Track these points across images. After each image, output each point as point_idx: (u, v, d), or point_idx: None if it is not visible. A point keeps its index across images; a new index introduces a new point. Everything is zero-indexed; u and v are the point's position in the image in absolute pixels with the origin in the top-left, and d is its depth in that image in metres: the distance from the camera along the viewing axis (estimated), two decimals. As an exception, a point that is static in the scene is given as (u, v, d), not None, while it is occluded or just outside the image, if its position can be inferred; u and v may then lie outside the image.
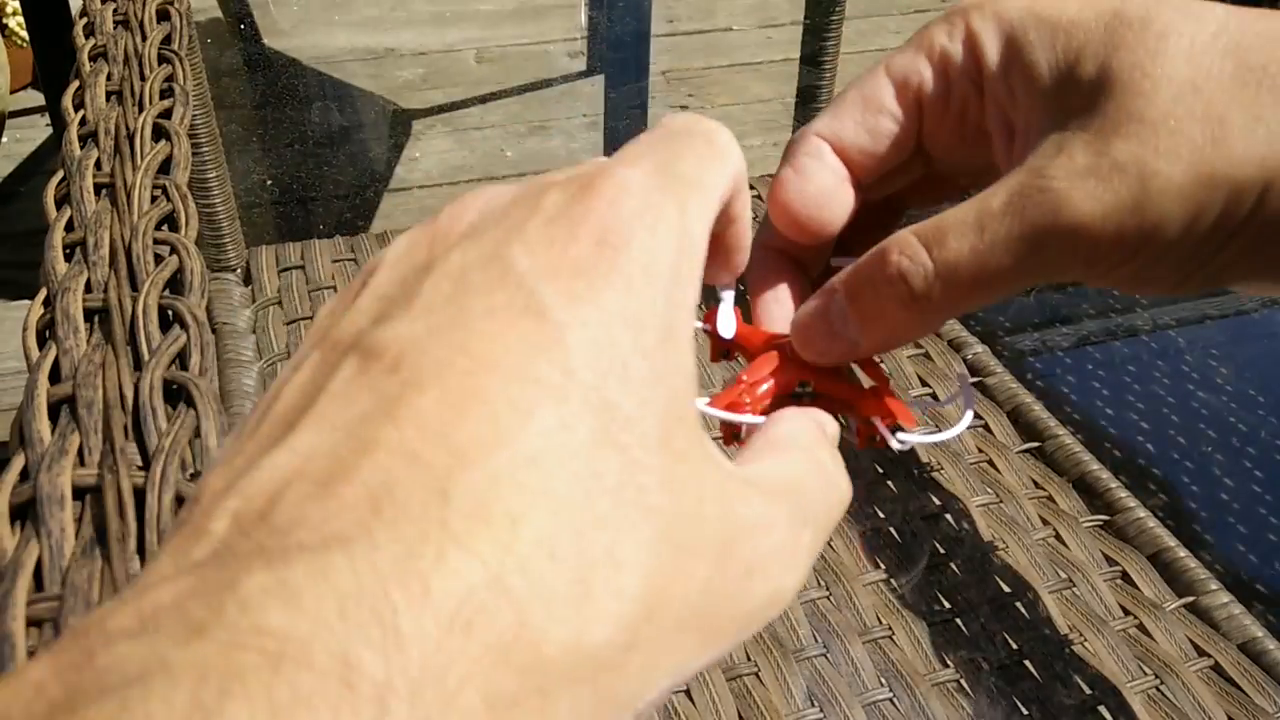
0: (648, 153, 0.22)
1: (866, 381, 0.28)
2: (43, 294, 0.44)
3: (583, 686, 0.16)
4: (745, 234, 0.25)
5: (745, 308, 0.29)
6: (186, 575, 0.15)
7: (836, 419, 0.26)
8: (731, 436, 0.26)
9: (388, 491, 0.16)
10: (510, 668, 0.15)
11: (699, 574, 0.19)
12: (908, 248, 0.26)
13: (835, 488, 0.24)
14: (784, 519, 0.22)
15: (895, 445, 0.27)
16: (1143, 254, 0.24)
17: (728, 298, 0.28)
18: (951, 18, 0.28)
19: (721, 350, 0.29)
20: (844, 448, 0.26)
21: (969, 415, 0.29)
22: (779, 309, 0.29)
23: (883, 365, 0.29)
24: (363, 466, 0.16)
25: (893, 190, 0.31)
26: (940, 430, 0.29)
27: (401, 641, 0.14)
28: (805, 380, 0.27)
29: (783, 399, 0.27)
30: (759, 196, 0.75)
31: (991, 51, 0.27)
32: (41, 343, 0.42)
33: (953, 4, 0.29)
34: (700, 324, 0.28)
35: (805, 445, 0.24)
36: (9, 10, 1.61)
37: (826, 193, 0.29)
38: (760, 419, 0.25)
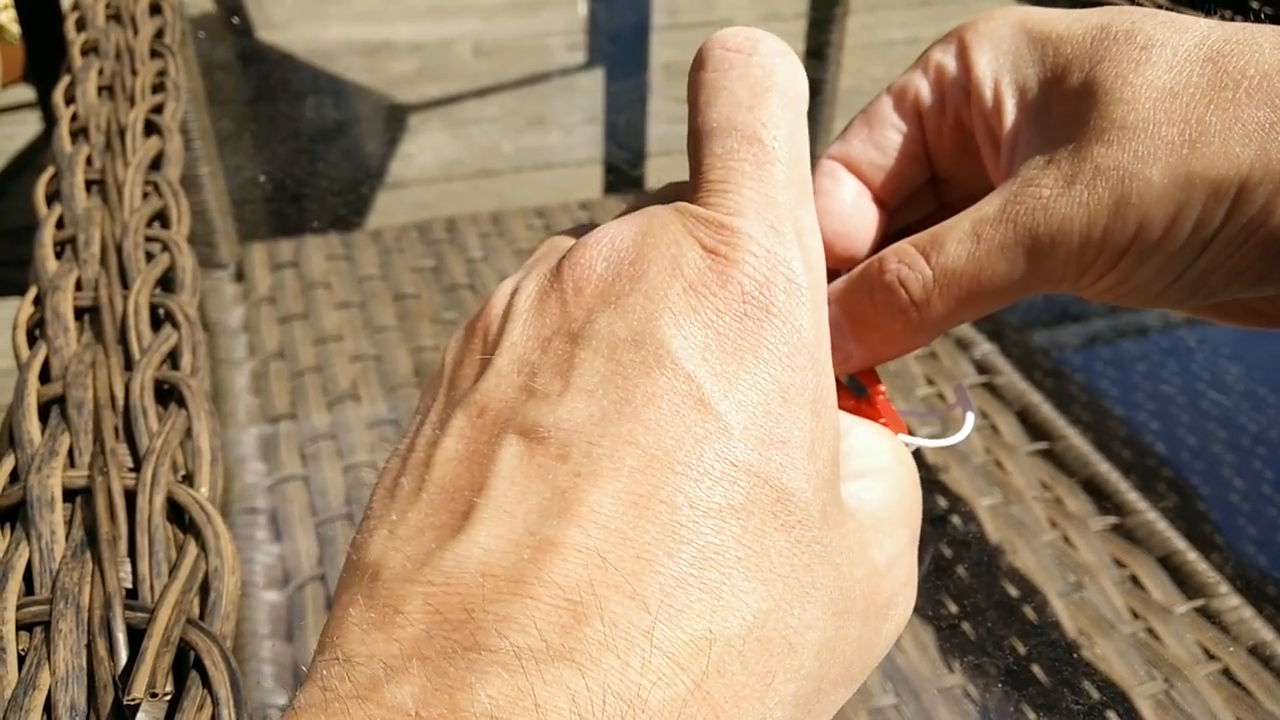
0: (744, 177, 0.21)
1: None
2: (33, 292, 0.43)
3: None
4: None
5: None
6: (416, 666, 0.16)
7: None
8: None
9: (588, 596, 0.17)
10: None
11: (852, 635, 0.20)
12: (906, 256, 0.26)
13: (918, 489, 0.25)
14: (904, 549, 0.23)
15: None
16: (1127, 259, 0.25)
17: None
18: (949, 35, 0.29)
19: None
20: None
21: (970, 423, 0.29)
22: None
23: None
24: (553, 567, 0.17)
25: (906, 223, 0.31)
26: (944, 434, 0.29)
27: None
28: None
29: None
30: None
31: (981, 63, 0.27)
32: (31, 341, 0.41)
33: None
34: None
35: (895, 456, 0.25)
36: (0, 4, 1.60)
37: (850, 209, 0.29)
38: None
